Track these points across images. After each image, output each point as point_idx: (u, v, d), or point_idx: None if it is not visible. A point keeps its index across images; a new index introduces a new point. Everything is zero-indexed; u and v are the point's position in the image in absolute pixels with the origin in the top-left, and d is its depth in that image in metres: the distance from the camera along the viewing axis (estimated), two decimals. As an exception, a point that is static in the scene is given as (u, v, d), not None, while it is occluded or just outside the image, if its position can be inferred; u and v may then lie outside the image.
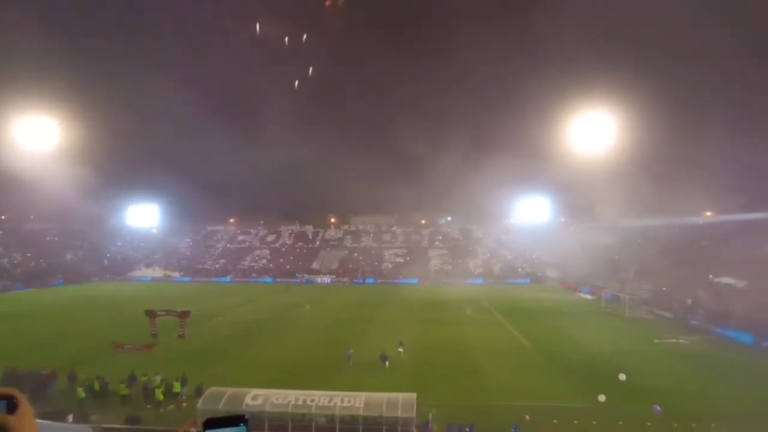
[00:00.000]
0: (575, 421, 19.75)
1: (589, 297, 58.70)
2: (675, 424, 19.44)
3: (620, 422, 19.63)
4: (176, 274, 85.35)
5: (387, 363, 26.74)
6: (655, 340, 34.96)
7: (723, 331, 36.93)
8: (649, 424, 19.55)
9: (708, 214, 64.56)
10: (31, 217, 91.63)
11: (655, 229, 67.44)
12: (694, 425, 19.38)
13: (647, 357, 30.46)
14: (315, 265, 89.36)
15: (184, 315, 35.27)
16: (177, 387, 22.75)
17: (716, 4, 60.13)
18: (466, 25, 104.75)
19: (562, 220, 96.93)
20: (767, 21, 54.48)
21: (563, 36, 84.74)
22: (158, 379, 23.12)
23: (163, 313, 35.43)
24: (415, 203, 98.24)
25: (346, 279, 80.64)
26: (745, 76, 64.56)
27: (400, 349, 28.92)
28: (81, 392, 22.09)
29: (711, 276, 47.91)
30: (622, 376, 19.59)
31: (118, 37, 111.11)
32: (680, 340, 35.00)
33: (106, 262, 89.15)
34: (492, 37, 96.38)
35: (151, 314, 34.88)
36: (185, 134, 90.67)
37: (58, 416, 19.57)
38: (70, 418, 19.60)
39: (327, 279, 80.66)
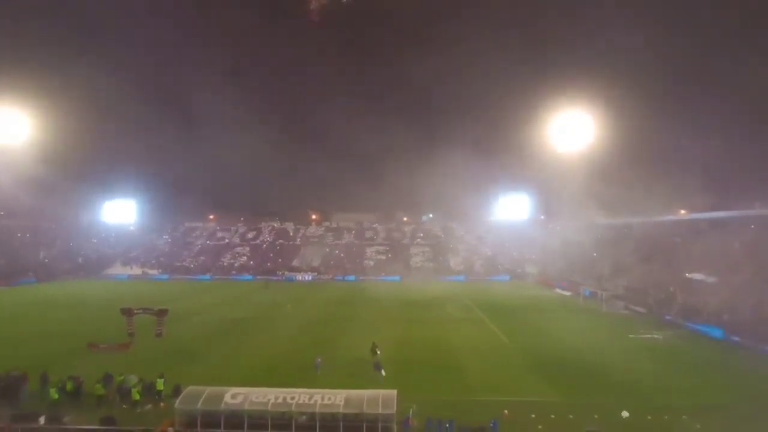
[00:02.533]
0: (552, 416, 20.07)
1: (567, 293, 59.64)
2: (648, 417, 19.95)
3: (596, 415, 20.06)
4: (154, 272, 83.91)
5: (383, 372, 24.84)
6: (630, 335, 35.78)
7: (695, 325, 38.02)
8: (625, 414, 20.01)
9: (682, 212, 66.34)
10: (1, 213, 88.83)
11: (631, 226, 68.98)
12: (666, 417, 19.90)
13: (623, 351, 31.21)
14: (296, 263, 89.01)
15: (161, 313, 34.73)
16: (160, 384, 22.30)
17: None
18: (446, 20, 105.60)
19: (542, 217, 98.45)
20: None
21: (542, 34, 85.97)
22: (135, 378, 22.70)
23: (140, 311, 34.89)
24: (396, 200, 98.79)
25: (327, 276, 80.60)
26: (723, 74, 66.39)
27: (378, 351, 28.36)
28: (53, 393, 21.58)
29: (683, 272, 49.33)
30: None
31: (91, 29, 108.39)
32: (654, 335, 35.81)
33: (80, 259, 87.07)
34: (471, 34, 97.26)
35: (127, 313, 34.30)
36: (163, 129, 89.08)
37: (29, 418, 19.08)
38: (42, 419, 19.14)
39: (308, 276, 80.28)
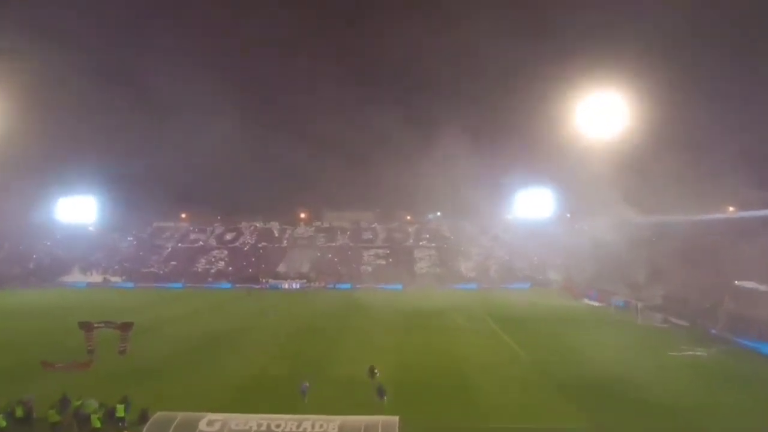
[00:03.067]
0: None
1: (596, 303, 59.88)
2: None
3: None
4: (117, 279, 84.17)
5: (385, 398, 24.43)
6: (670, 352, 35.69)
7: (744, 341, 37.80)
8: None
9: (730, 209, 66.17)
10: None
11: (671, 225, 68.81)
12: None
13: (661, 370, 31.15)
14: (282, 268, 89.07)
15: (125, 327, 34.71)
16: (120, 411, 22.25)
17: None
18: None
19: (567, 215, 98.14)
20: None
21: (567, 8, 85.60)
22: (94, 403, 22.65)
23: (102, 325, 34.71)
24: (398, 196, 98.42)
25: (318, 284, 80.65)
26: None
27: (377, 371, 28.26)
28: (0, 420, 21.58)
29: (732, 279, 49.20)
30: None
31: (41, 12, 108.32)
32: (698, 352, 35.73)
33: (32, 265, 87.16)
34: (486, 10, 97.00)
35: (86, 327, 34.17)
36: (128, 114, 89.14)
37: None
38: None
39: (296, 284, 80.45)
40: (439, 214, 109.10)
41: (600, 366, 31.87)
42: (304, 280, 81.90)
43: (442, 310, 54.01)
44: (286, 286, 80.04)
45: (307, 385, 25.64)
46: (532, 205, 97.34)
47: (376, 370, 28.31)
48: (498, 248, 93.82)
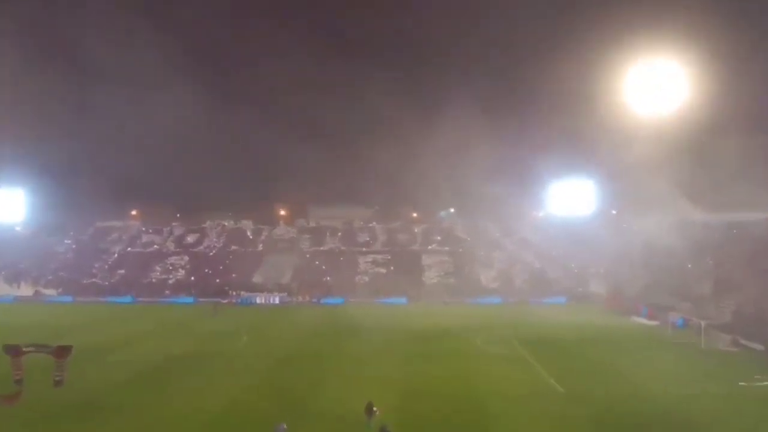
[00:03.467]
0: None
1: (649, 322, 59.53)
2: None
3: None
4: (52, 292, 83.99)
5: None
6: (741, 383, 35.51)
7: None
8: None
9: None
10: None
11: (743, 225, 68.58)
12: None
13: (730, 404, 31.06)
14: (257, 278, 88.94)
15: (62, 352, 34.54)
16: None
17: None
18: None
19: (613, 212, 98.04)
20: None
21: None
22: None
23: (32, 349, 34.66)
24: (402, 189, 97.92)
25: (302, 298, 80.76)
26: None
27: (376, 410, 27.85)
28: None
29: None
30: None
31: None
32: (776, 382, 36.54)
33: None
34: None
35: (13, 351, 34.13)
36: (63, 90, 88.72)
37: None
38: None
39: (274, 298, 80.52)
40: (452, 210, 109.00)
41: (653, 400, 31.75)
42: (285, 293, 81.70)
43: (457, 331, 54.02)
44: (262, 300, 79.91)
45: (285, 427, 25.24)
46: (568, 200, 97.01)
47: (375, 408, 27.99)
48: (526, 253, 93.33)
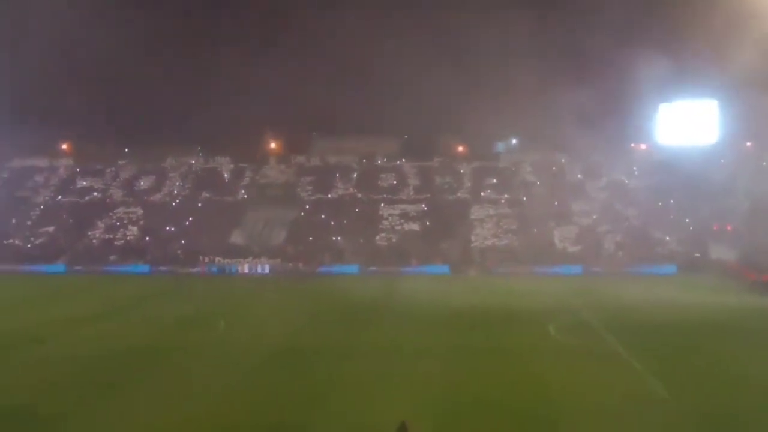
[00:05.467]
0: None
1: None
2: None
3: None
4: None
5: None
6: None
7: None
8: None
9: None
10: None
11: None
12: None
13: None
14: (237, 239, 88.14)
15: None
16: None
17: None
18: None
19: (747, 144, 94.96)
20: None
21: None
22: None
23: None
24: (441, 112, 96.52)
25: (301, 266, 79.24)
26: None
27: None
28: None
29: None
30: None
31: None
32: None
33: None
34: None
35: None
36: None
37: None
38: None
39: (263, 267, 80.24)
40: (515, 142, 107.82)
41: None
42: (277, 260, 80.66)
43: (522, 314, 51.72)
44: (245, 269, 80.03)
45: None
46: (683, 126, 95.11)
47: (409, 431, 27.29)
48: (621, 204, 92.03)
